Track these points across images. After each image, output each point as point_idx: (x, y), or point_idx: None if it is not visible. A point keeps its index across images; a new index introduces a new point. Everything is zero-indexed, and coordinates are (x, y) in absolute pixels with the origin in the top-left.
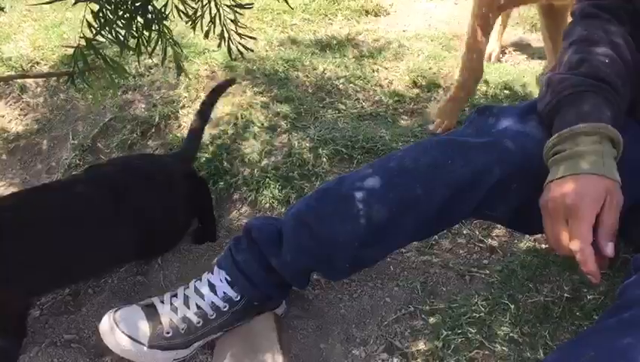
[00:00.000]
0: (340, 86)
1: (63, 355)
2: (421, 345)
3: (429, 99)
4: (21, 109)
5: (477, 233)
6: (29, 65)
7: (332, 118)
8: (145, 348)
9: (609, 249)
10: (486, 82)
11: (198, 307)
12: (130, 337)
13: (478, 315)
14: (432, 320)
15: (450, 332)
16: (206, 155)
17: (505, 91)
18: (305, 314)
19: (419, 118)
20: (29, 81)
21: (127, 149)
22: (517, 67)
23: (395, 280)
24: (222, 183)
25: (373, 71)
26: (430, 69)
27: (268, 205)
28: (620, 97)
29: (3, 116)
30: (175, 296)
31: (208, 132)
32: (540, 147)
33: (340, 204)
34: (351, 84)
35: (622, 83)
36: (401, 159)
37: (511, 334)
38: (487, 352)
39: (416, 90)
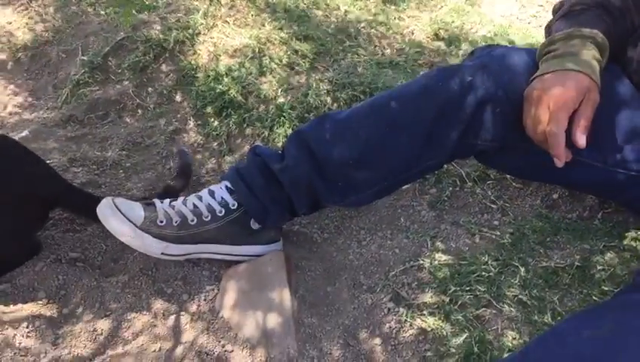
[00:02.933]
0: (362, 30)
1: (68, 272)
2: (427, 298)
3: (450, 53)
4: (29, 18)
5: (489, 193)
6: None
7: (351, 62)
8: (137, 229)
9: (581, 140)
10: (510, 42)
11: (195, 206)
12: (124, 216)
13: (487, 274)
14: (439, 274)
15: (458, 288)
16: (220, 87)
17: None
18: (313, 257)
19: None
20: None
21: (138, 71)
22: (541, 30)
23: (404, 232)
24: (235, 116)
25: (396, 18)
26: (453, 22)
27: (280, 143)
28: (613, 22)
29: (10, 23)
30: (174, 200)
31: (224, 62)
32: (527, 81)
33: (337, 129)
34: (372, 29)
35: (614, 19)
36: (396, 89)
37: (520, 296)
38: (494, 311)
39: (437, 43)
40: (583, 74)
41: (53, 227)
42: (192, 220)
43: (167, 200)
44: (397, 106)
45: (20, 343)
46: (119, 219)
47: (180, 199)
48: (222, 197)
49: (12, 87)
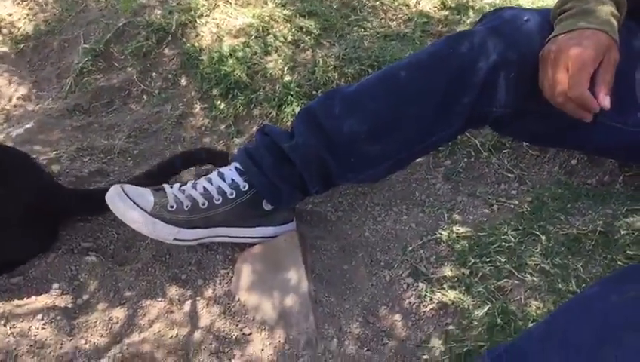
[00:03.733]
0: (367, 3)
1: (81, 262)
2: (447, 272)
3: (458, 22)
4: (30, 8)
5: (505, 162)
6: None
7: (357, 36)
8: (147, 215)
9: (605, 101)
10: (519, 6)
11: (205, 189)
12: (134, 202)
13: (507, 245)
14: (458, 247)
15: (477, 260)
16: (225, 68)
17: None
18: (328, 235)
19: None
20: None
21: (142, 57)
22: None
23: (420, 206)
24: (242, 98)
25: None
26: None
27: (289, 123)
28: None
29: (11, 15)
30: (184, 184)
31: (228, 43)
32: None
33: (346, 103)
34: (377, 2)
35: None
36: (405, 59)
37: (542, 265)
38: (516, 281)
39: (444, 12)
40: (601, 31)
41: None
42: (203, 203)
43: (177, 184)
44: (407, 76)
45: (35, 335)
46: (129, 205)
47: (190, 183)
48: (232, 179)
49: (16, 78)
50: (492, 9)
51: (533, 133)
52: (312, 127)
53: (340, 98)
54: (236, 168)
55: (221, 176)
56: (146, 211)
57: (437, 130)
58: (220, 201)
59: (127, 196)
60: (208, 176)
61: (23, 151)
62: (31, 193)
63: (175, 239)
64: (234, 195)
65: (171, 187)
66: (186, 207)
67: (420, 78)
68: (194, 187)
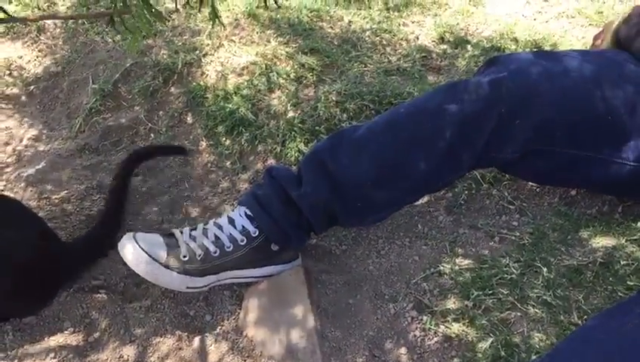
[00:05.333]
0: (366, 39)
1: (91, 300)
2: (451, 304)
3: (456, 55)
4: (39, 50)
5: (506, 194)
6: (47, 4)
7: (358, 72)
8: (161, 267)
9: None
10: (515, 40)
11: (217, 237)
12: (148, 254)
13: (509, 277)
14: (461, 279)
15: (480, 293)
16: (230, 106)
17: (534, 50)
18: (332, 270)
19: (446, 74)
20: (48, 21)
21: (149, 96)
22: (546, 25)
23: (423, 239)
24: (246, 134)
25: (400, 25)
26: (458, 24)
27: (293, 158)
28: None
29: (21, 57)
30: (194, 229)
31: (232, 81)
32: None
33: (354, 148)
34: (377, 37)
35: None
36: (411, 104)
37: (544, 297)
38: (519, 314)
39: (443, 46)
40: None
41: None
42: (215, 252)
43: (187, 229)
44: (414, 125)
45: None
46: (142, 258)
47: (200, 228)
48: (243, 226)
49: (26, 119)
50: (495, 55)
51: (537, 172)
52: (320, 175)
53: (346, 144)
54: (245, 214)
55: (231, 222)
56: (159, 263)
57: (443, 176)
58: (231, 249)
59: (140, 247)
60: (218, 221)
61: (35, 191)
62: (25, 251)
63: (188, 287)
64: (244, 242)
65: (182, 233)
66: (199, 256)
67: (428, 129)
68: (205, 234)
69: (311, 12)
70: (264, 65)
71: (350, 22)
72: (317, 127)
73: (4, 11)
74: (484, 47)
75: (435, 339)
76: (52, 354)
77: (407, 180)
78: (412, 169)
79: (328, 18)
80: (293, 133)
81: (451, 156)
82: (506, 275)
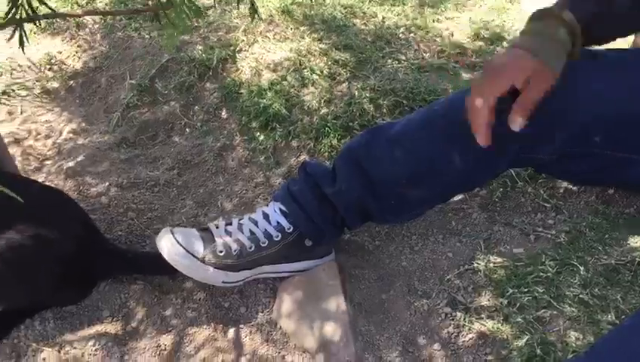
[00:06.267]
0: (400, 35)
1: (129, 291)
2: (485, 301)
3: (492, 52)
4: (78, 46)
5: (542, 192)
6: (85, 1)
7: (392, 68)
8: (198, 261)
9: (514, 124)
10: None
11: (252, 233)
12: (185, 249)
13: (545, 275)
14: (495, 277)
15: (516, 291)
16: (264, 101)
17: None
18: (365, 265)
19: (481, 71)
20: (87, 18)
21: (184, 91)
22: None
23: (456, 236)
24: (280, 130)
25: (434, 21)
26: (493, 20)
27: (327, 154)
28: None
29: (61, 52)
30: (229, 223)
31: (266, 76)
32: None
33: (389, 146)
34: (411, 34)
35: None
36: (447, 102)
37: (580, 296)
38: (555, 312)
39: (478, 43)
40: (530, 53)
41: None
42: (250, 247)
43: (222, 223)
44: (450, 124)
45: (88, 361)
46: (180, 252)
47: (235, 223)
48: (277, 222)
49: (66, 113)
50: None
51: (574, 173)
52: (355, 171)
53: (382, 140)
54: (280, 210)
55: (266, 217)
56: (196, 258)
57: (478, 176)
58: (266, 244)
59: (178, 242)
60: (253, 216)
61: (74, 183)
62: (70, 242)
63: (223, 282)
64: (279, 237)
65: (217, 227)
66: (235, 251)
67: (465, 127)
68: (240, 229)
69: (345, 8)
70: (298, 62)
71: (384, 18)
72: (350, 123)
73: (49, 7)
74: None
75: (470, 336)
76: (92, 342)
77: (442, 180)
78: (447, 168)
79: (362, 14)
80: (326, 128)
81: (488, 157)
82: (541, 273)
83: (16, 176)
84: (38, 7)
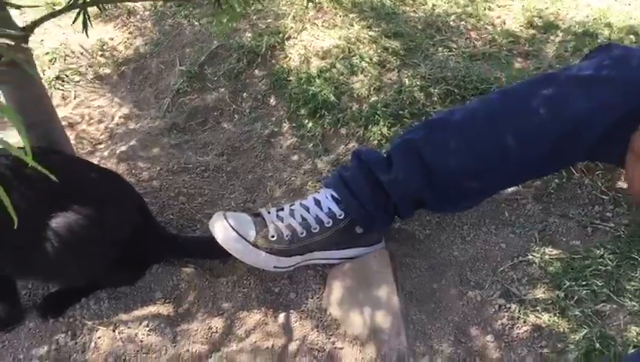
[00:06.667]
0: (451, 23)
1: (181, 273)
2: (540, 294)
3: (545, 41)
4: (130, 33)
5: (599, 184)
6: None
7: (443, 57)
8: (250, 246)
9: None
10: (608, 25)
11: (303, 218)
12: (238, 233)
13: (604, 268)
14: (551, 269)
15: (573, 283)
16: (313, 88)
17: (630, 36)
18: (416, 254)
19: (535, 60)
20: (138, 4)
21: (233, 78)
22: None
23: (510, 227)
24: (329, 117)
25: (486, 9)
26: (547, 8)
27: (376, 142)
28: None
29: (112, 39)
30: (281, 209)
31: (315, 64)
32: None
33: (450, 136)
34: (462, 22)
35: None
36: (515, 92)
37: None
38: (615, 306)
39: (531, 31)
40: None
41: None
42: (302, 233)
43: (274, 209)
44: (516, 118)
45: (142, 341)
46: (232, 236)
47: (287, 209)
48: (329, 208)
49: (117, 99)
50: (608, 43)
51: None
52: (413, 161)
53: (443, 131)
54: (332, 196)
55: (318, 203)
56: (248, 242)
57: (544, 169)
58: (318, 230)
59: (230, 226)
60: (304, 202)
61: (126, 167)
62: (127, 224)
63: (275, 267)
64: (330, 224)
65: (269, 213)
66: (286, 236)
67: (533, 124)
68: (292, 215)
69: None
70: (347, 49)
71: (434, 6)
72: (400, 112)
73: None
74: (576, 33)
75: (524, 328)
76: (145, 322)
77: (506, 172)
78: (512, 161)
79: (411, 2)
80: (376, 116)
81: (555, 153)
82: (600, 266)
83: (75, 157)
84: None
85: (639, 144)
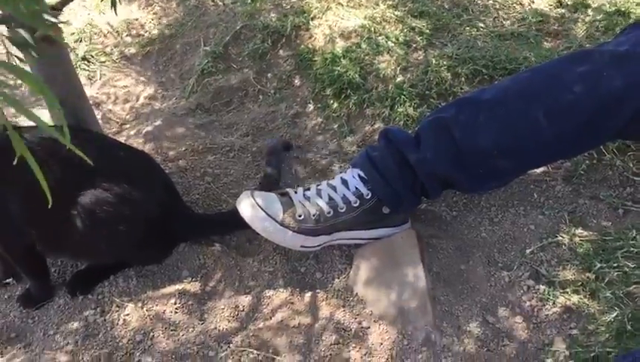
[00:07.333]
0: (479, 2)
1: (207, 253)
2: (570, 276)
3: (575, 20)
4: (154, 13)
5: (631, 165)
6: None
7: (470, 36)
8: (278, 225)
9: None
10: None
11: (330, 198)
12: (265, 212)
13: (636, 250)
14: (581, 251)
15: (604, 265)
16: (338, 69)
17: None
18: (443, 235)
19: (564, 40)
20: None
21: (258, 59)
22: None
23: (539, 208)
24: (355, 97)
25: None
26: None
27: (402, 122)
28: None
29: (137, 19)
30: (308, 189)
31: (340, 44)
32: None
33: (482, 113)
34: (490, 1)
35: None
36: (548, 69)
37: None
38: None
39: (561, 10)
40: None
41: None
42: (329, 212)
43: (301, 189)
44: (549, 96)
45: (169, 318)
46: (260, 215)
47: (313, 188)
48: (356, 187)
49: (142, 79)
50: (633, 22)
51: None
52: (442, 140)
53: (473, 109)
54: (359, 176)
55: (345, 183)
56: (276, 221)
57: (576, 148)
58: (345, 210)
59: (258, 205)
60: (331, 182)
61: (152, 147)
62: (154, 204)
63: (302, 246)
64: (357, 203)
65: (296, 192)
66: (313, 215)
67: (567, 100)
68: (319, 195)
69: None
70: (372, 29)
71: None
72: (427, 92)
73: None
74: (607, 12)
75: (554, 310)
76: (173, 300)
77: (538, 151)
78: (542, 141)
79: None
80: (402, 97)
81: (589, 130)
82: (632, 248)
83: (104, 135)
84: None
85: None
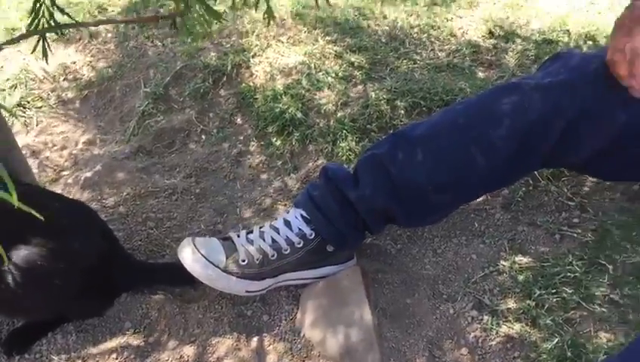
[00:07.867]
0: (414, 35)
1: (150, 302)
2: (512, 304)
3: (507, 49)
4: (92, 55)
5: (565, 190)
6: (97, 10)
7: (407, 69)
8: (221, 272)
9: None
10: (567, 32)
11: (273, 240)
12: (207, 260)
13: (573, 275)
14: (521, 278)
15: (543, 292)
16: (280, 106)
17: (588, 42)
18: (388, 269)
19: (497, 69)
20: (100, 27)
21: (199, 98)
22: (600, 17)
23: (480, 237)
24: (297, 134)
25: (447, 20)
26: (507, 18)
27: (344, 157)
28: None
29: (74, 62)
30: (250, 232)
31: (281, 81)
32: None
33: (415, 149)
34: (425, 34)
35: None
36: (472, 105)
37: (611, 296)
38: (585, 313)
39: (493, 41)
40: None
41: None
42: (273, 255)
43: (244, 232)
44: (478, 129)
45: None
46: (202, 263)
47: (256, 231)
48: (299, 228)
49: (81, 124)
50: (560, 52)
51: (606, 171)
52: (378, 176)
53: (408, 145)
54: (301, 216)
55: (287, 224)
56: (219, 268)
57: (507, 178)
58: (289, 251)
59: (199, 252)
60: (274, 224)
61: (92, 194)
62: (91, 254)
63: (247, 291)
64: (301, 244)
65: (239, 236)
66: (257, 260)
67: (493, 131)
68: (262, 237)
69: (357, 10)
70: (313, 65)
71: (396, 19)
72: (368, 125)
73: (70, 16)
74: (536, 41)
75: (497, 339)
76: (114, 355)
77: (471, 184)
78: (476, 173)
79: (373, 16)
80: (344, 131)
81: (517, 160)
82: (569, 274)
83: (36, 187)
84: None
85: (618, 21)
